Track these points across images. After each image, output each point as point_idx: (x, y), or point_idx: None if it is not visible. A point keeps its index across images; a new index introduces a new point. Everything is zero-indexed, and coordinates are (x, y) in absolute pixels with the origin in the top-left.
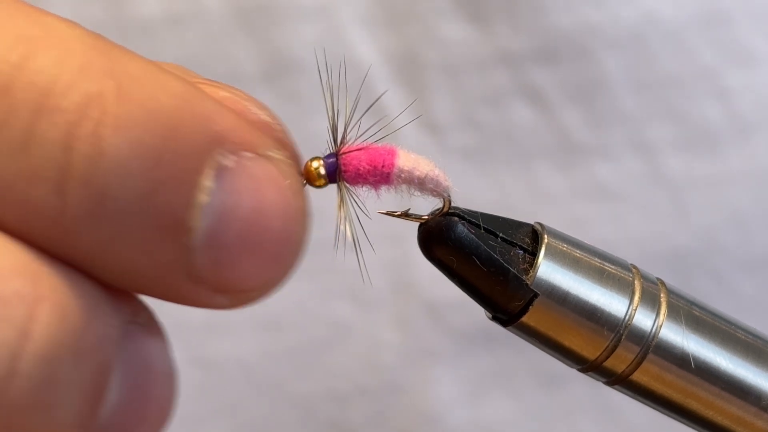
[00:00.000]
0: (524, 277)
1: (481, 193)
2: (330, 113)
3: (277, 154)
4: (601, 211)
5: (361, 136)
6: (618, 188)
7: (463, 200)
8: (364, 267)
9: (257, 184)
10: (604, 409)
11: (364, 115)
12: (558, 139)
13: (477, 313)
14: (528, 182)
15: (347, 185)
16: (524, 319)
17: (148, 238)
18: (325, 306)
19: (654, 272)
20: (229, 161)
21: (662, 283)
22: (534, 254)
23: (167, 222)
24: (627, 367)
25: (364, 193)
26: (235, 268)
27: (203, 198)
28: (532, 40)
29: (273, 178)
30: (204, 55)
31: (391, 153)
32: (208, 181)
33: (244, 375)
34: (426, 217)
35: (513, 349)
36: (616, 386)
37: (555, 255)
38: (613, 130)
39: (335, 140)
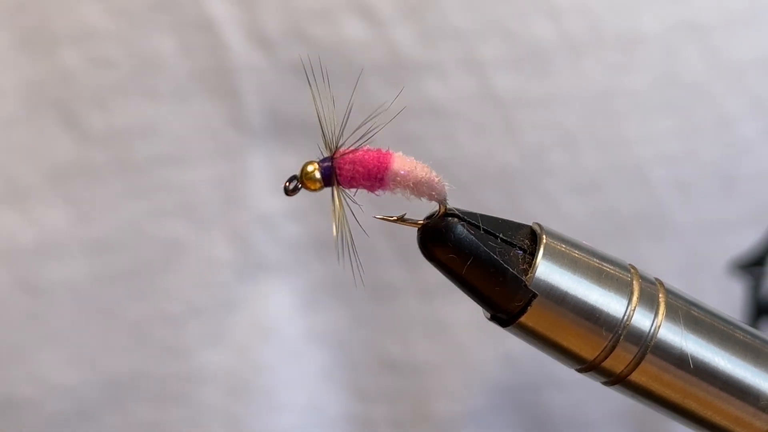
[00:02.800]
0: (523, 277)
1: (312, 107)
2: (323, 118)
3: None
4: (432, 128)
5: (358, 140)
6: (448, 106)
7: (294, 115)
8: (359, 269)
9: None
10: (434, 323)
11: (365, 122)
12: (389, 55)
13: (309, 222)
14: (358, 98)
15: (343, 188)
16: (522, 319)
17: None
18: (158, 225)
19: (482, 190)
20: None
21: (661, 283)
22: (533, 255)
23: None
24: (625, 368)
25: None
26: None
27: None
28: None
29: None
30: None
31: (387, 157)
32: None
33: (74, 300)
34: (422, 222)
35: (345, 261)
36: (615, 386)
37: (553, 255)
38: (444, 47)
39: (330, 144)
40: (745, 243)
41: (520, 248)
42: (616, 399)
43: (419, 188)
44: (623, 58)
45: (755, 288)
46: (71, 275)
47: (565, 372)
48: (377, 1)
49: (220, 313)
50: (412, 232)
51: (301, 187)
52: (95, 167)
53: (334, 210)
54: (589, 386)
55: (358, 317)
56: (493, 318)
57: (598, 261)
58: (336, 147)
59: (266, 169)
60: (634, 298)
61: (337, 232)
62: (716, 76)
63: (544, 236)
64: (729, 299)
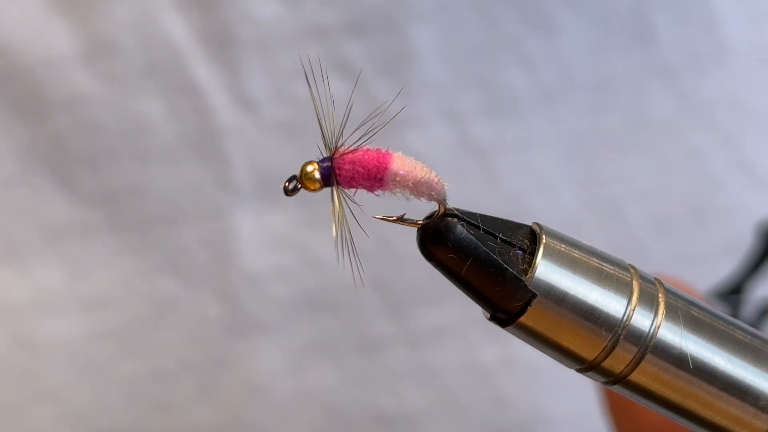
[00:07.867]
0: (523, 277)
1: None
2: (322, 118)
3: None
4: None
5: (357, 141)
6: (428, 156)
7: (280, 174)
8: (360, 270)
9: None
10: (424, 371)
11: (366, 121)
12: (370, 111)
13: (297, 281)
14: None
15: (342, 189)
16: (522, 319)
17: None
18: (149, 282)
19: None
20: None
21: (660, 283)
22: (533, 255)
23: None
24: (625, 368)
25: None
26: None
27: None
28: (341, 14)
29: None
30: (19, 38)
31: (386, 157)
32: None
33: (68, 357)
34: (421, 222)
35: (334, 317)
36: (614, 386)
37: (553, 255)
38: (423, 100)
39: (329, 144)
40: (721, 273)
41: (520, 248)
42: None
43: (419, 188)
44: (594, 102)
45: (734, 316)
46: (65, 332)
47: (557, 411)
48: (356, 57)
49: (211, 370)
50: (399, 282)
51: (301, 187)
52: (88, 227)
53: (333, 210)
54: (580, 425)
55: (348, 373)
56: (493, 318)
57: (597, 261)
58: (335, 147)
59: (254, 229)
60: (634, 298)
61: (336, 233)
62: (685, 115)
63: (543, 236)
64: None
